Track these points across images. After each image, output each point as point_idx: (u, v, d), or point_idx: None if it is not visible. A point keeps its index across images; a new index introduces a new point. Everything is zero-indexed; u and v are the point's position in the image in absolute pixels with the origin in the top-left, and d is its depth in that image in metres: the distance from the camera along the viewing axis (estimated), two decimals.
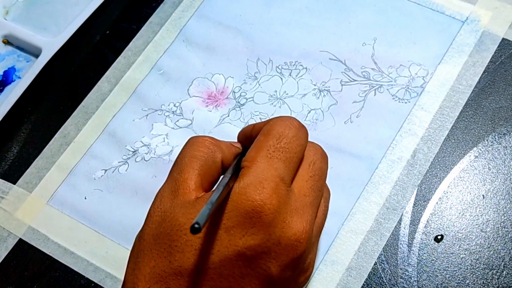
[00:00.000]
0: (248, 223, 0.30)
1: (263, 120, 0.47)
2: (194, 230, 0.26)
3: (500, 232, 0.42)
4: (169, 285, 0.30)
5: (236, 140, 0.38)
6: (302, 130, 0.34)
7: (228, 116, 0.48)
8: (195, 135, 0.35)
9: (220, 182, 0.32)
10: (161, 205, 0.32)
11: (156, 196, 0.33)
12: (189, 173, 0.33)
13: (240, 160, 0.33)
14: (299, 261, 0.32)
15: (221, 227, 0.30)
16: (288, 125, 0.33)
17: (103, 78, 0.50)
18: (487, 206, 0.42)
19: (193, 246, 0.30)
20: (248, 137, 0.36)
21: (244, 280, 0.30)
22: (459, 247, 0.41)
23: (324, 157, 0.35)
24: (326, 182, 0.44)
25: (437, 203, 0.43)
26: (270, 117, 0.47)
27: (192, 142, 0.34)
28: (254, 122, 0.38)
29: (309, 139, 0.45)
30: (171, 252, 0.31)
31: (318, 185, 0.34)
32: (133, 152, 0.47)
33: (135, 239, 0.33)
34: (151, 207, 0.33)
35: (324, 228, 0.42)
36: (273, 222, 0.30)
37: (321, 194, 0.34)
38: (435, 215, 0.42)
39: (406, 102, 0.46)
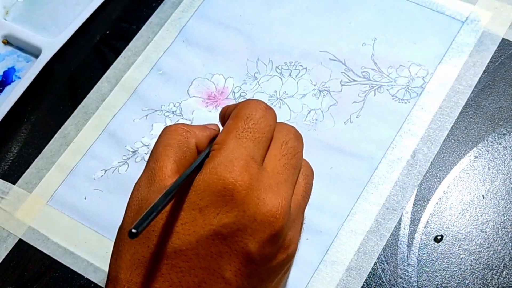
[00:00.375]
0: (221, 202, 0.31)
1: None
2: (131, 235, 0.27)
3: (500, 232, 0.42)
4: (150, 269, 0.31)
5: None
6: (269, 111, 0.35)
7: None
8: (168, 125, 0.36)
9: (190, 165, 0.33)
10: (138, 194, 0.33)
11: (134, 187, 0.34)
12: (164, 161, 0.33)
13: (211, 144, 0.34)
14: (278, 237, 0.32)
15: (194, 207, 0.31)
16: (254, 107, 0.34)
17: (103, 78, 0.50)
18: (487, 206, 0.42)
19: (169, 229, 0.31)
20: (222, 119, 0.38)
21: (223, 259, 0.31)
22: (459, 247, 0.41)
23: (297, 137, 0.36)
24: (329, 181, 0.44)
25: (437, 203, 0.43)
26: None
27: (165, 132, 0.35)
28: (222, 107, 0.39)
29: (308, 138, 0.46)
30: (149, 237, 0.31)
31: (292, 163, 0.34)
32: (133, 152, 0.47)
33: (117, 231, 0.34)
34: (129, 198, 0.34)
35: (323, 228, 0.42)
36: (246, 199, 0.31)
37: (297, 172, 0.35)
38: (435, 215, 0.42)
39: (406, 102, 0.46)
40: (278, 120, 0.45)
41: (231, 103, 0.48)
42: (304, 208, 0.37)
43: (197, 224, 0.31)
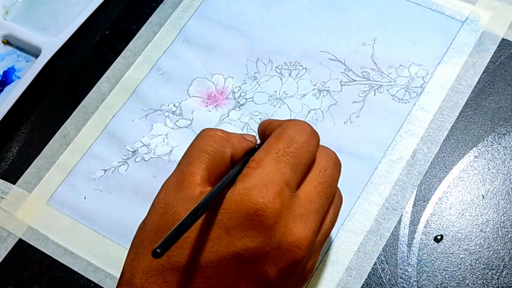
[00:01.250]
0: (249, 225, 0.30)
1: (262, 120, 0.47)
2: (155, 254, 0.26)
3: (499, 232, 0.42)
4: (166, 279, 0.30)
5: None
6: (313, 136, 0.34)
7: (228, 116, 0.48)
8: (207, 128, 0.35)
9: (221, 180, 0.32)
10: (165, 196, 0.32)
11: (162, 187, 0.33)
12: (197, 167, 0.33)
13: (249, 159, 0.33)
14: (298, 267, 0.32)
15: (221, 226, 0.30)
16: (300, 130, 0.33)
17: (103, 78, 0.50)
18: (487, 206, 0.42)
19: (192, 243, 0.30)
20: (263, 133, 0.36)
21: (240, 281, 0.30)
22: (459, 247, 0.41)
23: (336, 164, 0.35)
24: None
25: (436, 203, 0.43)
26: (270, 118, 0.47)
27: (203, 135, 0.34)
28: (264, 120, 0.38)
29: None
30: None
31: (326, 192, 0.33)
32: (133, 152, 0.47)
33: (138, 228, 0.33)
34: (156, 197, 0.33)
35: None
36: (274, 227, 0.30)
37: (329, 202, 0.34)
38: (434, 215, 0.42)
39: (405, 102, 0.46)
40: (276, 120, 0.45)
41: (231, 103, 0.48)
42: (327, 238, 0.36)
43: (221, 244, 0.30)
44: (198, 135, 0.35)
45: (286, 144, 0.32)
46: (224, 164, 0.34)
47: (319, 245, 0.34)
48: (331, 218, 0.35)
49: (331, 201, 0.35)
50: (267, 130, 0.36)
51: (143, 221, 0.33)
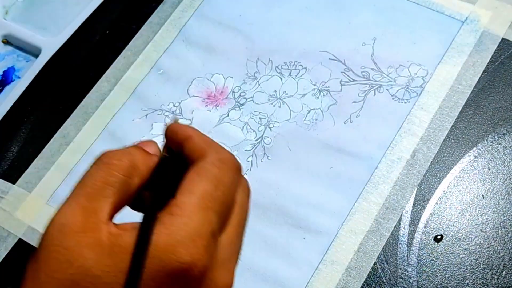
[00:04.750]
0: (175, 285, 0.27)
1: (262, 120, 0.47)
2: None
3: (499, 232, 0.42)
4: None
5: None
6: (238, 173, 0.31)
7: (228, 116, 0.48)
8: (109, 150, 0.30)
9: (139, 234, 0.27)
10: (63, 238, 0.27)
11: (53, 221, 0.27)
12: (101, 202, 0.28)
13: (158, 188, 0.29)
14: None
15: (145, 286, 0.27)
16: (227, 168, 0.30)
17: (103, 78, 0.50)
18: (487, 206, 0.42)
19: None
20: (172, 139, 0.32)
21: None
22: (459, 247, 0.41)
23: (248, 191, 0.32)
24: (329, 181, 0.44)
25: (436, 203, 0.43)
26: (269, 117, 0.47)
27: (106, 162, 0.29)
28: (177, 125, 0.33)
29: (308, 138, 0.46)
30: None
31: (244, 227, 0.31)
32: None
33: (28, 268, 0.27)
34: (46, 235, 0.27)
35: (323, 228, 0.42)
36: (201, 282, 0.27)
37: (244, 232, 0.31)
38: (434, 215, 0.42)
39: (405, 102, 0.46)
40: (280, 120, 0.45)
41: (231, 103, 0.48)
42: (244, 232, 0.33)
43: None
44: (99, 159, 0.29)
45: (213, 188, 0.29)
46: (130, 195, 0.29)
47: (237, 252, 0.31)
48: (245, 212, 0.32)
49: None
50: (186, 143, 0.31)
51: (35, 262, 0.27)
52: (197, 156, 0.30)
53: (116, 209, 0.28)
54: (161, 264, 0.26)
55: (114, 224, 0.28)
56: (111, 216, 0.28)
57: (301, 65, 0.49)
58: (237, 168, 0.30)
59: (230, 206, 0.30)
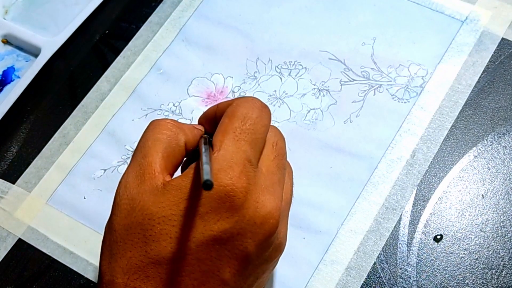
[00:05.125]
0: (222, 208, 0.31)
1: None
2: (207, 186, 0.28)
3: (499, 231, 0.42)
4: (148, 274, 0.31)
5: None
6: (265, 110, 0.35)
7: None
8: (155, 119, 0.35)
9: (197, 164, 0.32)
10: (127, 192, 0.32)
11: (120, 183, 0.33)
12: (153, 156, 0.33)
13: (207, 142, 0.34)
14: (274, 237, 0.32)
15: (195, 214, 0.31)
16: (251, 106, 0.34)
17: (103, 78, 0.50)
18: (487, 206, 0.42)
19: (168, 235, 0.31)
20: (212, 119, 0.37)
21: (222, 262, 0.31)
22: (459, 247, 0.41)
23: (282, 137, 0.36)
24: (328, 181, 0.44)
25: (436, 202, 0.43)
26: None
27: (154, 125, 0.34)
28: (210, 107, 0.38)
29: (308, 138, 0.46)
30: (146, 242, 0.31)
31: (282, 163, 0.35)
32: (133, 151, 0.47)
33: (105, 229, 0.33)
34: (116, 195, 0.33)
35: (323, 227, 0.42)
36: (246, 204, 0.31)
37: (285, 171, 0.35)
38: (434, 215, 0.42)
39: (405, 102, 0.46)
40: (280, 120, 0.46)
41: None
42: (290, 206, 0.37)
43: (197, 230, 0.30)
44: (149, 126, 0.35)
45: (241, 122, 0.33)
46: (179, 151, 0.34)
47: (285, 213, 0.35)
48: (289, 185, 0.36)
49: (285, 172, 0.36)
50: (216, 113, 0.36)
51: (109, 221, 0.33)
52: (226, 109, 0.35)
53: (169, 162, 0.33)
54: (207, 191, 0.30)
55: (168, 174, 0.33)
56: (167, 169, 0.33)
57: (301, 65, 0.49)
58: (262, 105, 0.34)
59: (263, 138, 0.34)
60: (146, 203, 0.31)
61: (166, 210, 0.31)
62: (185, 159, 0.35)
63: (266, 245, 0.32)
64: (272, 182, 0.33)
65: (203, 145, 0.33)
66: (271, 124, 0.36)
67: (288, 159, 0.37)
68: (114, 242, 0.32)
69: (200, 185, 0.31)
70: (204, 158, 0.31)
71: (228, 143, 0.32)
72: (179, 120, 0.48)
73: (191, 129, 0.35)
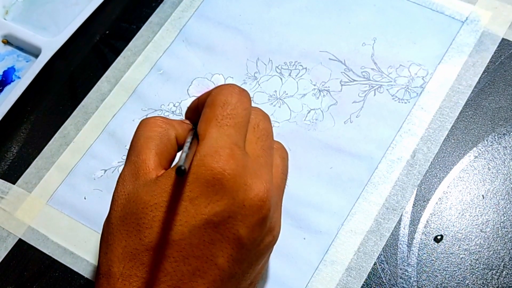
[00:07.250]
0: (211, 191, 0.31)
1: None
2: (180, 172, 0.28)
3: (499, 232, 0.42)
4: (143, 261, 0.31)
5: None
6: (243, 93, 0.35)
7: None
8: (145, 117, 0.36)
9: (181, 153, 0.33)
10: (124, 188, 0.33)
11: (118, 181, 0.34)
12: (146, 154, 0.34)
13: (196, 134, 0.34)
14: (265, 220, 0.33)
15: (185, 199, 0.31)
16: (230, 92, 0.34)
17: (103, 78, 0.50)
18: (487, 206, 0.42)
19: (161, 221, 0.31)
20: (196, 111, 0.37)
21: (215, 246, 0.31)
22: (459, 247, 0.41)
23: (265, 117, 0.36)
24: (329, 181, 0.44)
25: (436, 203, 0.43)
26: (270, 117, 0.47)
27: (145, 124, 0.35)
28: (191, 102, 0.39)
29: (308, 138, 0.46)
30: (140, 230, 0.31)
31: (267, 144, 0.35)
32: None
33: (103, 224, 0.34)
34: (114, 192, 0.34)
35: (323, 228, 0.42)
36: (235, 186, 0.31)
37: (272, 153, 0.36)
38: (434, 215, 0.42)
39: (405, 102, 0.46)
40: (280, 120, 0.46)
41: None
42: (284, 190, 0.37)
43: (188, 215, 0.31)
44: (139, 125, 0.35)
45: (221, 109, 0.34)
46: (171, 146, 0.35)
47: (278, 197, 0.35)
48: (281, 169, 0.36)
49: (273, 152, 0.36)
50: (198, 105, 0.37)
51: (107, 216, 0.34)
52: (206, 99, 0.35)
53: (163, 158, 0.34)
54: (195, 176, 0.31)
55: (163, 169, 0.34)
56: (161, 164, 0.34)
57: (301, 65, 0.49)
58: (240, 90, 0.35)
59: (246, 122, 0.34)
60: (140, 194, 0.32)
61: (157, 198, 0.32)
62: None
63: (258, 228, 0.32)
64: (259, 166, 0.33)
65: (188, 136, 0.34)
66: (272, 125, 0.37)
67: (288, 159, 0.37)
68: (110, 233, 0.33)
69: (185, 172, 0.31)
70: (184, 147, 0.32)
71: (212, 131, 0.33)
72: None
73: (180, 124, 0.36)
